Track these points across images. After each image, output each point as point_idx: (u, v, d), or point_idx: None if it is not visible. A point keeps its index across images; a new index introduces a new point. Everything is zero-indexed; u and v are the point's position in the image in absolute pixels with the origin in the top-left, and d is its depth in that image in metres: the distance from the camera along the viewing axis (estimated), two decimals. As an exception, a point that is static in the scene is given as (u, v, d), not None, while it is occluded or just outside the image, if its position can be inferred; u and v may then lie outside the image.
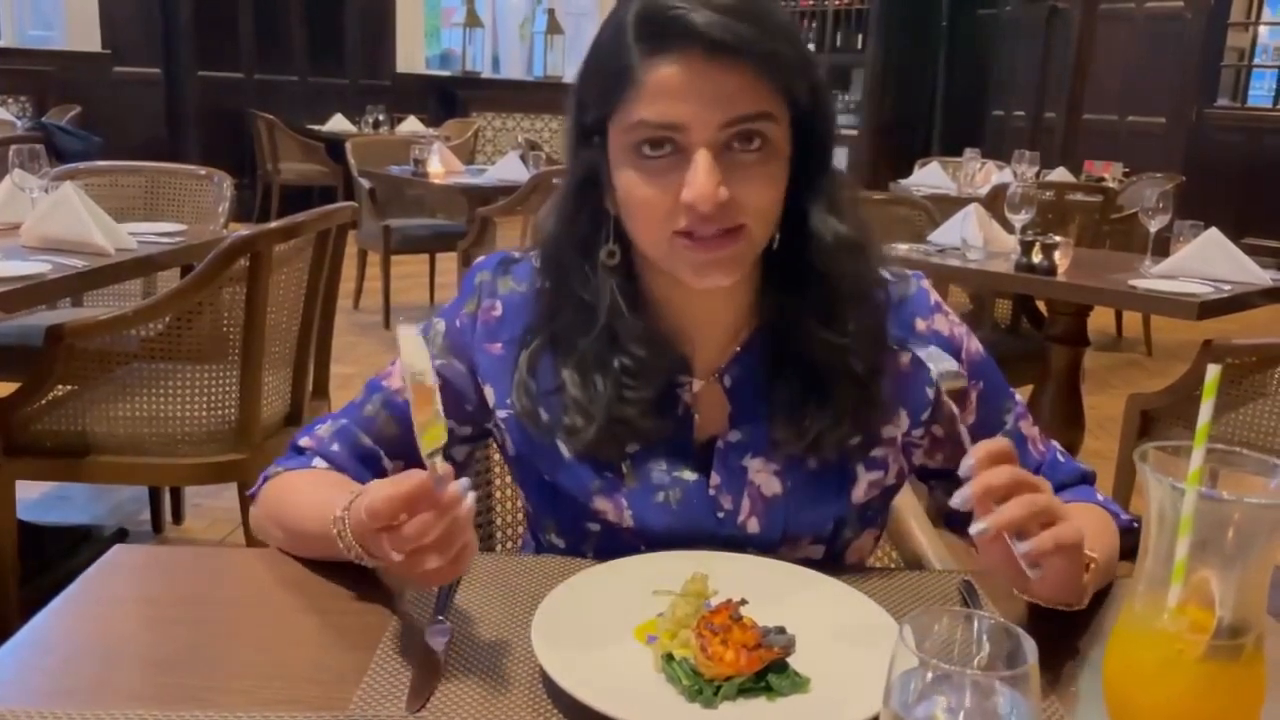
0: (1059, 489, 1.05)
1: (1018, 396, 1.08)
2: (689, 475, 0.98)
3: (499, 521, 1.32)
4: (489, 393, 1.02)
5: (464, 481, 0.77)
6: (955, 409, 0.91)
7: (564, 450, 0.98)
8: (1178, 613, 0.59)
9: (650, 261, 0.95)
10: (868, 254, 0.98)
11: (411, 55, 9.19)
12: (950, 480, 1.05)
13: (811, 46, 4.91)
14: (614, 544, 0.98)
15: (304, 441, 1.03)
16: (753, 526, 0.97)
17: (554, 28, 10.11)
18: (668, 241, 0.90)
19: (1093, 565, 0.86)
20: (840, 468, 0.99)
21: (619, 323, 0.96)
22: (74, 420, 2.10)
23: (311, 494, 0.94)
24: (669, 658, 0.78)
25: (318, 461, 1.01)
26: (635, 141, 0.88)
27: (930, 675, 0.58)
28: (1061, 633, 0.89)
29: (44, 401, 2.10)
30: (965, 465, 0.79)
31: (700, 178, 0.85)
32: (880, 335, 0.98)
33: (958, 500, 0.79)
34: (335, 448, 1.01)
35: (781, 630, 0.80)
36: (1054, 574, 0.81)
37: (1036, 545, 0.77)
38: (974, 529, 0.78)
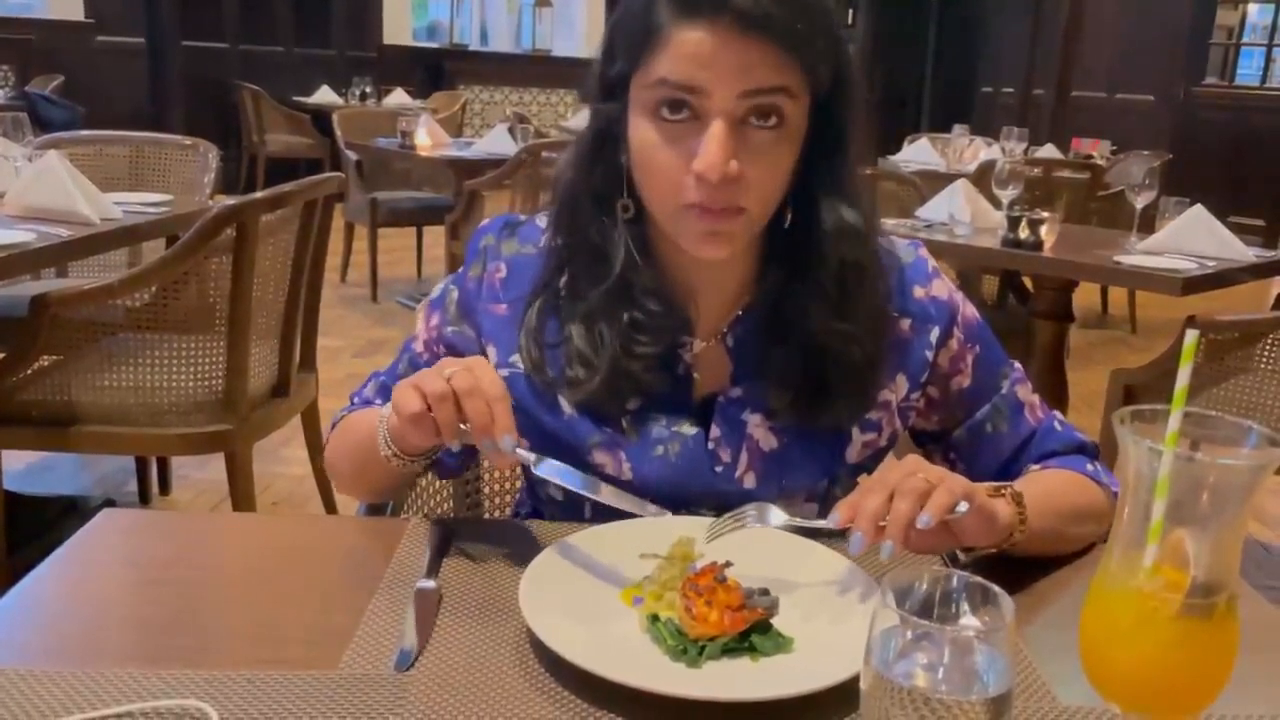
0: (1050, 456, 1.06)
1: (1016, 364, 1.09)
2: (688, 429, 1.00)
3: (487, 490, 1.33)
4: (491, 352, 1.05)
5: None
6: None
7: (565, 405, 1.00)
8: (1153, 572, 0.60)
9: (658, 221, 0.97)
10: (871, 240, 0.99)
11: (398, 27, 9.10)
12: (944, 442, 1.07)
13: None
14: None
15: (356, 399, 1.15)
16: (749, 481, 0.99)
17: (542, 0, 10.03)
18: (675, 208, 0.92)
19: (1007, 493, 0.89)
20: (836, 428, 1.01)
21: (633, 274, 0.98)
22: (60, 390, 2.09)
23: (365, 413, 1.08)
24: (654, 618, 0.80)
25: None
26: (655, 100, 0.89)
27: (910, 633, 0.59)
28: (1038, 591, 0.91)
29: (29, 371, 2.09)
30: (832, 519, 0.84)
31: (712, 148, 0.87)
32: (883, 321, 1.00)
33: (831, 523, 0.84)
34: (378, 402, 1.11)
35: (765, 592, 0.81)
36: (969, 522, 0.85)
37: (930, 510, 0.80)
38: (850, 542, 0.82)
